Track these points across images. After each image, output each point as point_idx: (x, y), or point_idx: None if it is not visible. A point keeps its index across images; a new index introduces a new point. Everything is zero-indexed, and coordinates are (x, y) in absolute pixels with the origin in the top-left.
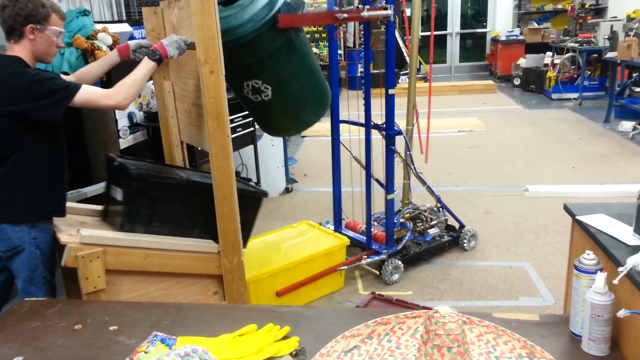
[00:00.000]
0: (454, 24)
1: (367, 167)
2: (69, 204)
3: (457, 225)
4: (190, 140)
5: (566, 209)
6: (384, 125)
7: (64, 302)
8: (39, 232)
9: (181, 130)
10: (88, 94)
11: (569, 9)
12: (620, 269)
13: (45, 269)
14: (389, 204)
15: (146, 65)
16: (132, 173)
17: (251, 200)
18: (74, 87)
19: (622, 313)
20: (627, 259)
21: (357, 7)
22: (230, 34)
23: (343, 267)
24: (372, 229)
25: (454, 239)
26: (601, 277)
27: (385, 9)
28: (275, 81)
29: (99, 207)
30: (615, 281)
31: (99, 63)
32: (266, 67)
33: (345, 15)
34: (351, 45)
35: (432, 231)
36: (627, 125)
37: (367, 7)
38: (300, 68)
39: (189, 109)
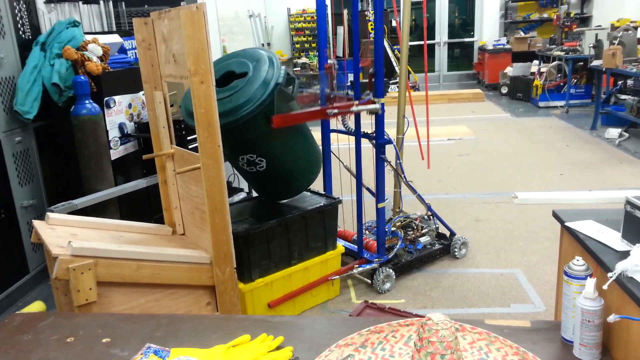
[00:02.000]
0: (441, 33)
1: (358, 176)
2: (60, 216)
3: (448, 234)
4: (193, 239)
5: (555, 215)
6: (374, 134)
7: (55, 315)
8: None
9: (185, 228)
10: None
11: (555, 18)
12: (609, 274)
13: None
14: (380, 212)
15: None
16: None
17: (331, 210)
18: None
19: (612, 318)
20: (616, 264)
21: (347, 92)
22: (227, 116)
23: (335, 277)
24: (363, 238)
25: (445, 247)
26: (591, 282)
27: (374, 102)
28: (269, 154)
29: (90, 219)
30: (605, 287)
31: None
32: (261, 143)
33: (336, 110)
34: (341, 55)
35: (423, 239)
36: (613, 132)
37: (357, 102)
38: (295, 141)
39: (193, 211)
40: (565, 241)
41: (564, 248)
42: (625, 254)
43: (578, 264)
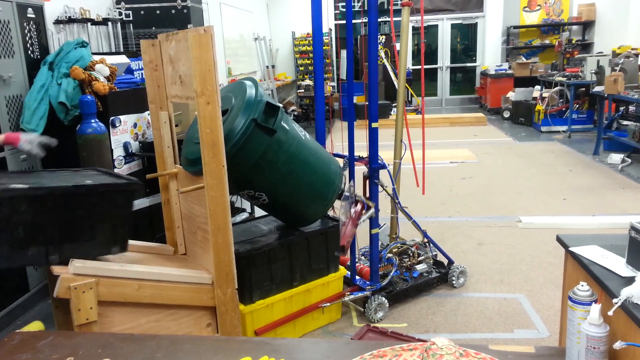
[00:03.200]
0: (444, 58)
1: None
2: None
3: (446, 262)
4: (195, 259)
5: (559, 240)
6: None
7: (55, 334)
8: None
9: (187, 248)
10: None
11: (556, 44)
12: (614, 300)
13: None
14: (374, 238)
15: None
16: None
17: (334, 232)
18: None
19: (618, 345)
20: (621, 290)
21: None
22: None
23: (325, 304)
24: (359, 264)
25: (443, 276)
26: (596, 308)
27: (370, 207)
28: (265, 188)
29: None
30: (610, 313)
31: None
32: (252, 179)
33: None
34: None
35: (419, 267)
36: (615, 157)
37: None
38: (290, 171)
39: (195, 231)
40: (569, 266)
41: (568, 273)
42: (630, 280)
43: (583, 289)
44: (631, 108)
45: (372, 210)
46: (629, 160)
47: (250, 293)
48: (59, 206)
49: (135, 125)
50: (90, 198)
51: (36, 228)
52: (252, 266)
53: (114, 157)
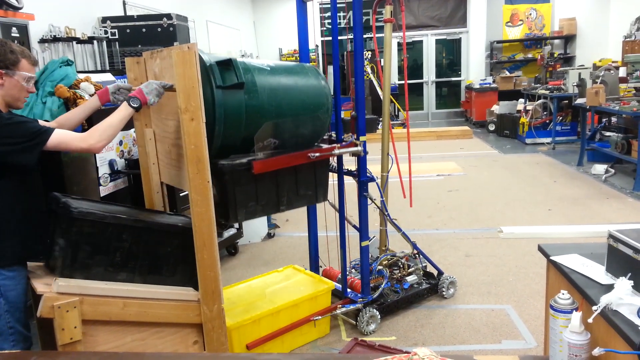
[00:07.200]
0: (429, 73)
1: (341, 215)
2: None
3: (435, 272)
4: (170, 181)
5: (540, 249)
6: (356, 172)
7: (38, 354)
8: (4, 280)
9: (161, 171)
10: (61, 137)
11: (539, 58)
12: (594, 307)
13: (12, 319)
14: (364, 251)
15: (124, 111)
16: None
17: (323, 161)
18: (47, 131)
19: (596, 351)
20: (600, 297)
21: (330, 135)
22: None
23: (317, 317)
24: (350, 277)
25: (433, 287)
26: (576, 316)
27: (356, 145)
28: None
29: None
30: (590, 320)
31: (80, 109)
32: (254, 134)
33: (317, 154)
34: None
35: (409, 278)
36: (599, 168)
37: (338, 145)
38: (279, 104)
39: (169, 150)
40: (551, 275)
41: (551, 282)
42: (609, 287)
43: (564, 297)
44: (613, 119)
45: (360, 148)
46: (612, 171)
47: (235, 212)
48: (153, 240)
49: (121, 142)
50: (179, 238)
51: (131, 256)
52: (236, 183)
53: (99, 175)
